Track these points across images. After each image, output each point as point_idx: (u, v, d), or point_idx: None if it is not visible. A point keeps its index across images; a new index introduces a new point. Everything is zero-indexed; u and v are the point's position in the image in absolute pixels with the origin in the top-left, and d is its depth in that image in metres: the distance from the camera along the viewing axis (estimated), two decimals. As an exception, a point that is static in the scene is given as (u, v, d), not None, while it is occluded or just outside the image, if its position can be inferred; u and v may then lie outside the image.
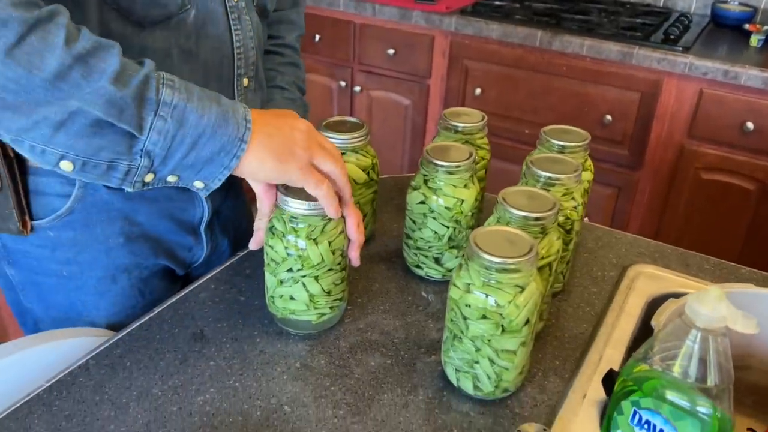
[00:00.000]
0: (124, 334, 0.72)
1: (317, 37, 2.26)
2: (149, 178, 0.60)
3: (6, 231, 0.73)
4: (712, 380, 0.46)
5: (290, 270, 0.69)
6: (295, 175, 0.63)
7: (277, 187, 0.67)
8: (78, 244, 0.76)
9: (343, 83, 2.30)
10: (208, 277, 0.82)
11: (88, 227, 0.75)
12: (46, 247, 0.76)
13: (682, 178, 1.85)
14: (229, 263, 0.84)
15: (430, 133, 2.20)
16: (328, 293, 0.71)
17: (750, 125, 1.71)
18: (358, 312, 0.77)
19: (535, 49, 1.91)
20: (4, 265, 0.80)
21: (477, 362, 0.63)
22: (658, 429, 0.49)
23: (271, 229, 0.68)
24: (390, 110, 2.26)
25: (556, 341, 0.74)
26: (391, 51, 2.15)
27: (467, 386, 0.65)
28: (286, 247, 0.67)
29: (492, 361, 0.63)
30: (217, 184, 0.63)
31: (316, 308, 0.71)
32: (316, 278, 0.69)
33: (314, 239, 0.67)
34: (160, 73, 0.59)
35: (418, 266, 0.83)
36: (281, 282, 0.70)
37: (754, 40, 1.84)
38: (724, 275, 0.87)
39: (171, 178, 0.61)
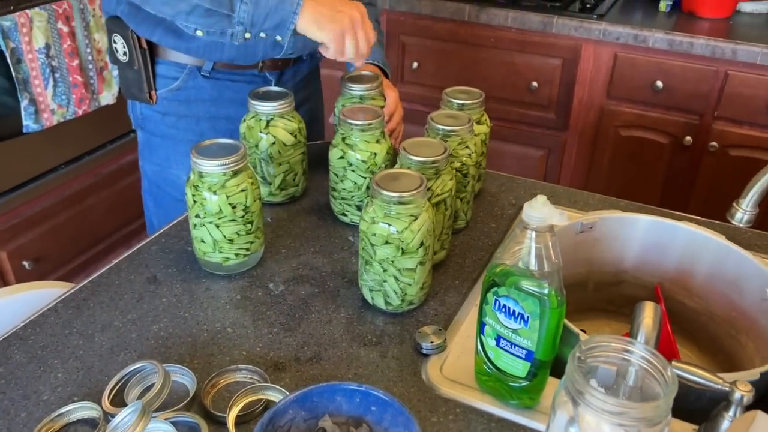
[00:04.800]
0: (86, 282, 0.83)
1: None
2: (248, 35, 0.92)
3: (142, 100, 1.09)
4: (546, 267, 0.60)
5: (197, 216, 0.81)
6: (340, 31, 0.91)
7: (191, 150, 0.80)
8: (179, 113, 1.10)
9: (288, 64, 2.40)
10: (159, 233, 0.93)
11: (187, 102, 1.09)
12: (160, 112, 1.10)
13: (603, 136, 2.01)
14: (176, 221, 0.96)
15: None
16: (231, 241, 0.83)
17: (660, 84, 1.88)
18: (292, 254, 0.90)
19: (465, 22, 2.04)
20: (138, 129, 1.14)
21: (385, 281, 0.77)
22: (511, 310, 0.63)
23: (187, 180, 0.81)
24: (332, 86, 2.37)
25: (457, 266, 0.88)
26: (331, 31, 2.26)
27: (380, 302, 0.79)
28: (193, 195, 0.80)
29: (396, 279, 0.76)
30: (287, 34, 0.92)
31: (221, 252, 0.83)
32: (217, 226, 0.81)
33: (214, 191, 0.79)
34: None
35: (343, 214, 0.96)
36: (195, 226, 0.83)
37: (663, 6, 2.00)
38: (605, 207, 1.02)
39: (262, 35, 0.92)
